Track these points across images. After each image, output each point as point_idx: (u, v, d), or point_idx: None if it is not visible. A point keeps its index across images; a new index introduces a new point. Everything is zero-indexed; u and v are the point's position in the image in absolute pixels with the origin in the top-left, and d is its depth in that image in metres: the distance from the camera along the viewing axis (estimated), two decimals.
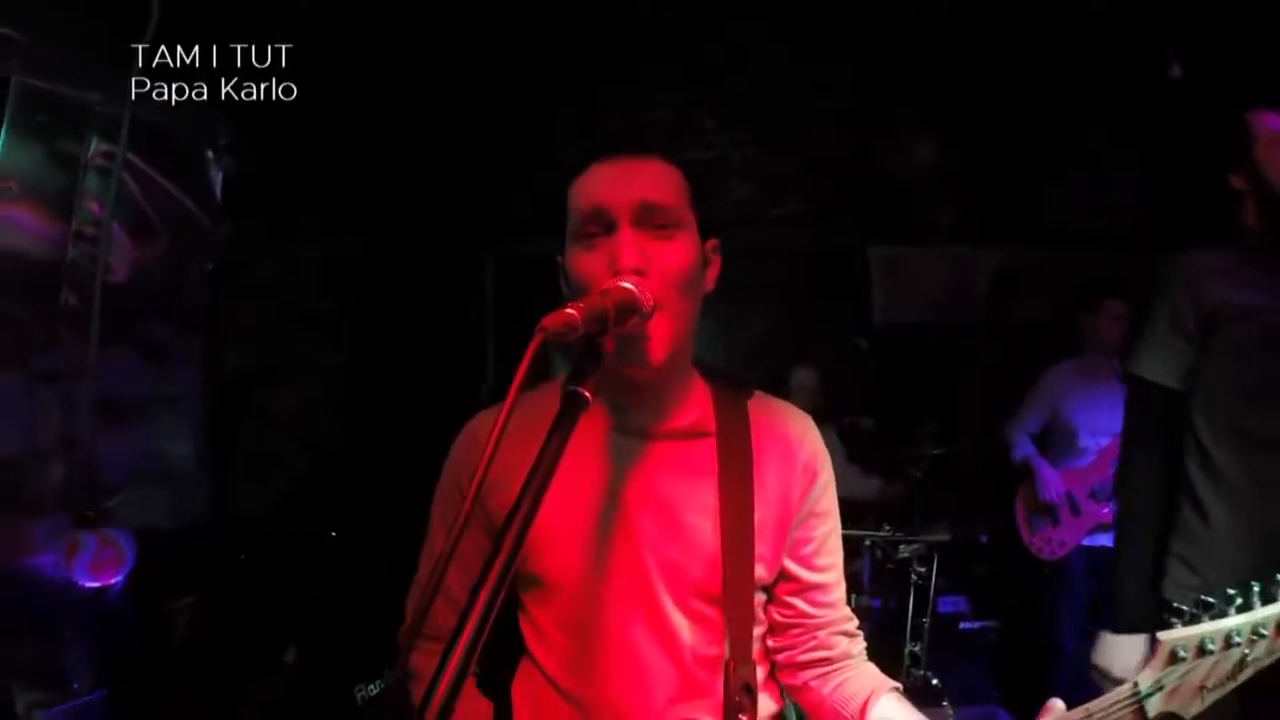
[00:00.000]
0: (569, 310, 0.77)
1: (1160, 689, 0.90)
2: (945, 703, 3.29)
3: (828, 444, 3.48)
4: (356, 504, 2.55)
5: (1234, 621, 0.90)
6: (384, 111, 3.12)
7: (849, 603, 2.83)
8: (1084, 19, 3.44)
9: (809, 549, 1.07)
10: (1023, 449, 3.16)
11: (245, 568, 2.16)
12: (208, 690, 2.03)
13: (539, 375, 0.98)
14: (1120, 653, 1.78)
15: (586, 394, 0.78)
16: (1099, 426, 3.07)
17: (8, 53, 1.90)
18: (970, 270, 4.07)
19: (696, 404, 1.06)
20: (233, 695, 2.05)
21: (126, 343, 2.13)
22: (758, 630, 1.07)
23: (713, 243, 1.06)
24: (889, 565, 3.05)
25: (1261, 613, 0.90)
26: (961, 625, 3.78)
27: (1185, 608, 0.91)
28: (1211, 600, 0.91)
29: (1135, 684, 0.91)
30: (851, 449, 3.65)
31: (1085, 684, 1.89)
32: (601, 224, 0.96)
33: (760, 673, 1.07)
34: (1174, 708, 0.91)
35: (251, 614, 2.07)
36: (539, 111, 3.82)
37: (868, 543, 3.00)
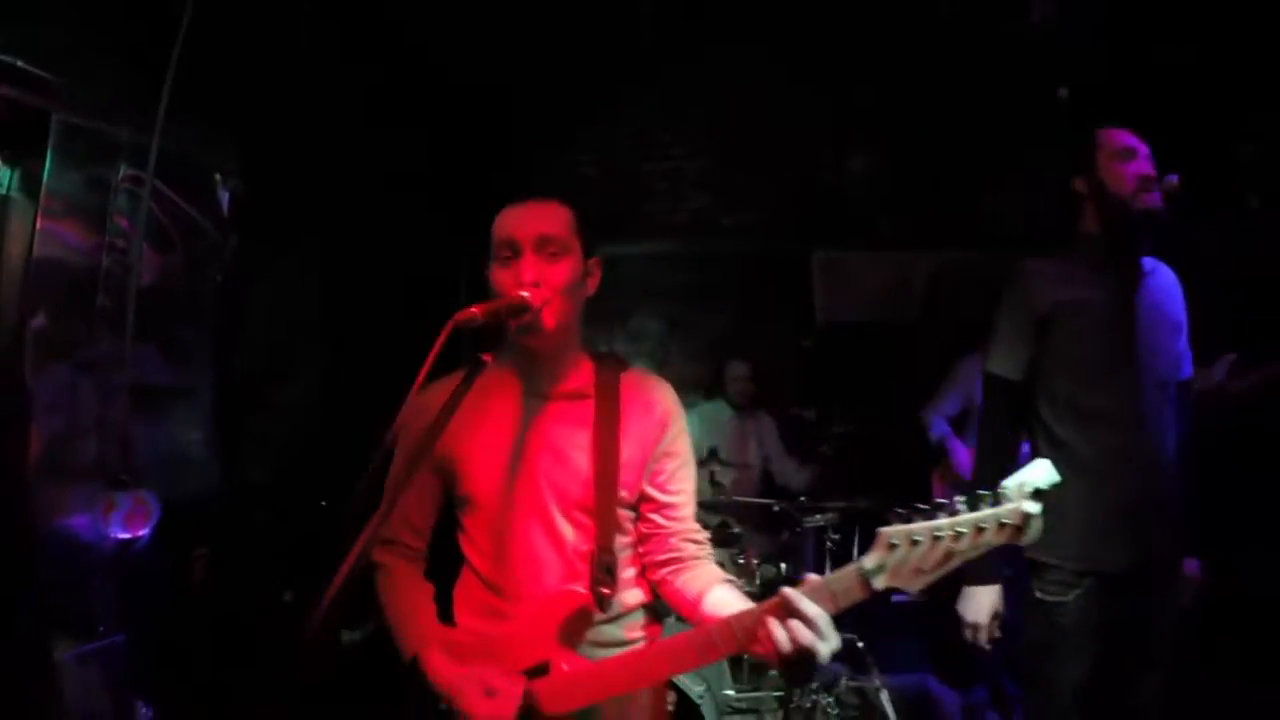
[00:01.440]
0: (473, 309, 1.22)
1: (883, 569, 1.16)
2: (874, 668, 3.69)
3: (761, 425, 4.05)
4: (345, 481, 2.96)
5: (940, 522, 1.14)
6: (378, 126, 3.52)
7: (779, 571, 3.28)
8: (1021, 31, 3.85)
9: (662, 478, 1.50)
10: (938, 429, 3.60)
11: (250, 531, 2.57)
12: (218, 630, 2.46)
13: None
14: (974, 601, 2.05)
15: (487, 359, 1.25)
16: None
17: (49, 93, 2.31)
18: (908, 273, 4.52)
19: (581, 374, 1.52)
20: (239, 635, 2.47)
21: (151, 340, 2.54)
22: (627, 539, 1.50)
23: (595, 260, 1.51)
24: (797, 529, 3.45)
25: (963, 517, 1.13)
26: (893, 598, 4.17)
27: (904, 510, 1.16)
28: (926, 506, 1.15)
29: (861, 563, 1.17)
30: (789, 438, 4.12)
31: (1009, 648, 2.17)
32: (512, 250, 1.42)
33: (632, 571, 1.51)
34: (896, 584, 1.16)
35: (255, 567, 2.48)
36: (522, 129, 4.22)
37: (776, 508, 3.43)
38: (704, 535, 1.55)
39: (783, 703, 3.45)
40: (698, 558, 1.51)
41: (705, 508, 3.80)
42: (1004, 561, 2.02)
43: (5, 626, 2.23)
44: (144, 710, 2.43)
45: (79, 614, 2.39)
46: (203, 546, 2.53)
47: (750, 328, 4.41)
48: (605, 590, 1.41)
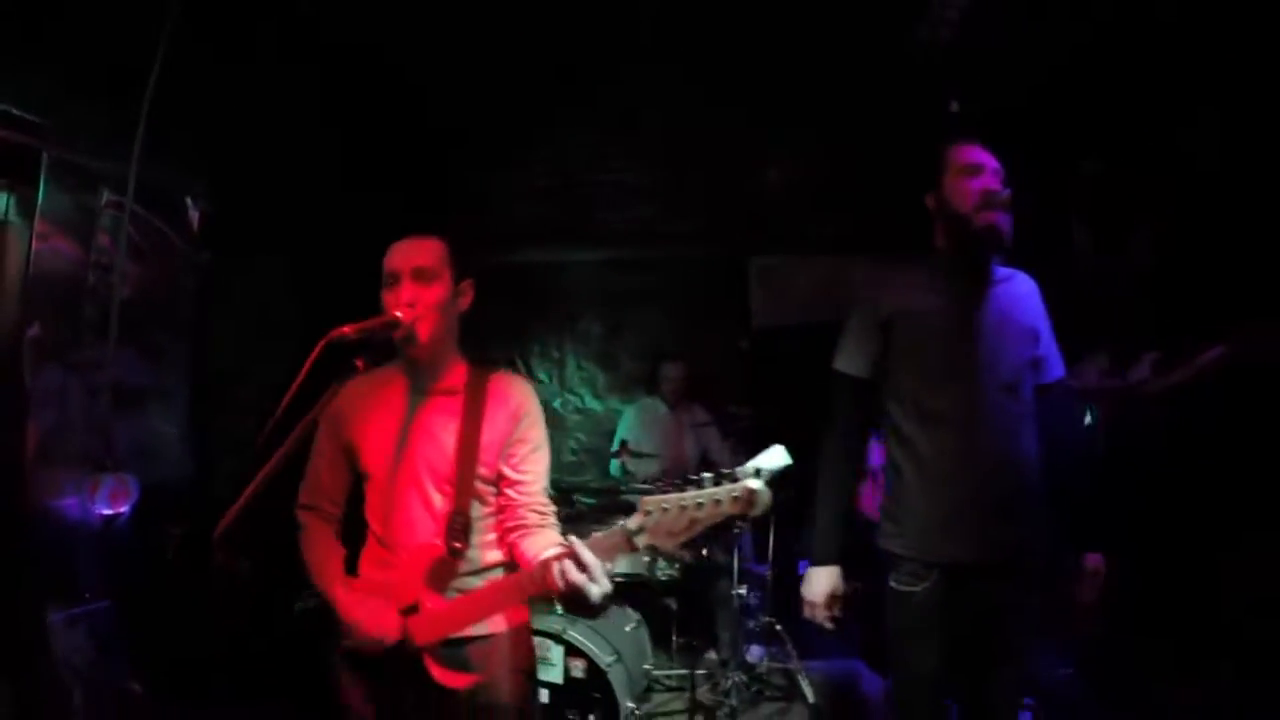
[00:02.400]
0: (345, 329, 1.66)
1: (643, 530, 1.50)
2: (793, 651, 4.00)
3: (696, 418, 4.44)
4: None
5: (685, 494, 1.46)
6: (342, 144, 3.94)
7: (703, 555, 3.60)
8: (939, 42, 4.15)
9: (514, 460, 1.91)
10: None
11: (217, 512, 3.00)
12: (189, 597, 2.92)
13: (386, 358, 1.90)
14: (813, 581, 2.21)
15: (359, 364, 1.71)
16: None
17: (40, 134, 2.75)
18: (841, 277, 4.89)
19: (455, 375, 1.95)
20: (205, 601, 2.92)
21: (131, 345, 2.97)
22: (489, 509, 1.91)
23: (466, 283, 1.96)
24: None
25: (704, 491, 1.45)
26: None
27: (674, 482, 1.49)
28: (680, 480, 1.48)
29: (625, 524, 1.50)
30: (726, 433, 4.55)
31: None
32: (394, 278, 1.88)
33: (493, 535, 1.92)
34: (655, 542, 1.50)
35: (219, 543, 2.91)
36: (477, 144, 4.61)
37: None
38: (549, 508, 1.94)
39: (702, 679, 3.81)
40: (541, 526, 1.89)
41: (611, 494, 4.21)
42: (841, 544, 2.21)
43: (7, 593, 2.67)
44: (123, 668, 2.88)
45: (68, 582, 2.84)
46: (177, 526, 2.98)
47: (691, 330, 4.81)
48: (457, 544, 1.84)
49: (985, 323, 2.15)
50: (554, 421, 5.05)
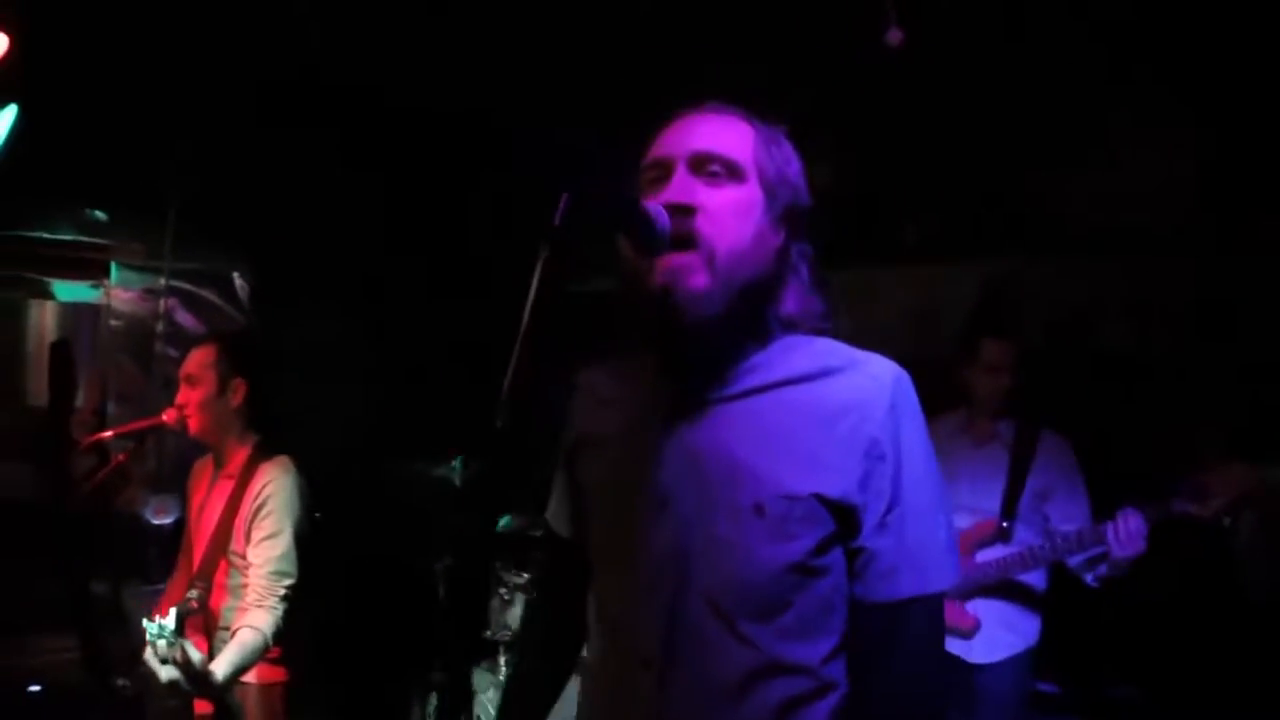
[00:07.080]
0: (105, 433, 2.74)
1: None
2: None
3: None
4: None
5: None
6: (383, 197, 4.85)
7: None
8: None
9: (250, 544, 2.59)
10: None
11: None
12: None
13: None
14: None
15: (122, 459, 2.68)
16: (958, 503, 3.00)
17: (108, 249, 4.33)
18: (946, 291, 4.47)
19: (235, 461, 2.77)
20: None
21: None
22: (246, 581, 2.56)
23: (237, 380, 2.75)
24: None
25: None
26: None
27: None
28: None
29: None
30: None
31: None
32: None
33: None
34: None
35: None
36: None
37: None
38: (270, 592, 2.53)
39: None
40: (257, 606, 2.52)
41: None
42: None
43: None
44: None
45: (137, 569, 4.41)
46: None
47: None
48: (193, 604, 2.52)
49: (687, 473, 1.27)
50: None
